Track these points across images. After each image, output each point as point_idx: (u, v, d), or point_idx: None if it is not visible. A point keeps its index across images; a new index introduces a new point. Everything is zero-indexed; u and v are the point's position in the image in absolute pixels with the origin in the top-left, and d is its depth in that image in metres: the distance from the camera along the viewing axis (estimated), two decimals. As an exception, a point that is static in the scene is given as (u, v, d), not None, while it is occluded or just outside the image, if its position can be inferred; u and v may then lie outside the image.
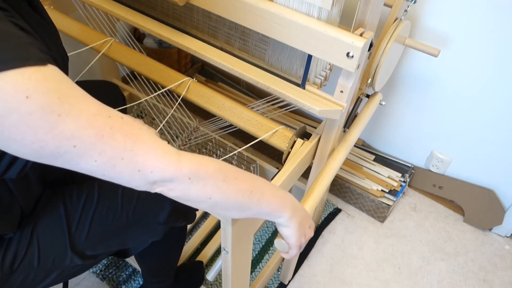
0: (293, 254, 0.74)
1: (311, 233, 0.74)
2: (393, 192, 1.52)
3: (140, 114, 1.65)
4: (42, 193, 0.80)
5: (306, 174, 1.03)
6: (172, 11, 0.98)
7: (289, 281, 1.37)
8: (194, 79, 1.01)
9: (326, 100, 0.83)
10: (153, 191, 0.55)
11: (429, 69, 1.33)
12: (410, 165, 1.59)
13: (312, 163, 1.00)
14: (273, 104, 1.03)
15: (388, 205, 1.49)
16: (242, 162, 1.45)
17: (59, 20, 1.11)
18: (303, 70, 0.84)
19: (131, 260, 1.34)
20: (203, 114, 1.57)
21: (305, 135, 0.95)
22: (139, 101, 1.12)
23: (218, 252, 1.40)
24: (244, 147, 0.99)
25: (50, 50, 0.56)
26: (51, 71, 0.45)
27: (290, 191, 1.53)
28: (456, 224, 1.58)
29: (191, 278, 1.30)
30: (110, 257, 1.38)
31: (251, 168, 1.43)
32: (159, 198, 0.77)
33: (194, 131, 1.44)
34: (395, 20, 1.00)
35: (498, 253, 1.50)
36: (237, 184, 0.60)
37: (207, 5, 0.82)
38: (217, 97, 0.98)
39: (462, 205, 1.57)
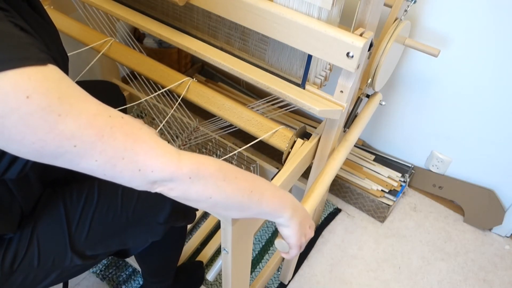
0: (294, 254, 0.74)
1: (311, 233, 0.74)
2: (393, 192, 1.52)
3: (140, 114, 1.65)
4: (42, 192, 0.80)
5: (306, 174, 1.03)
6: (172, 11, 0.98)
7: (289, 281, 1.37)
8: (194, 79, 1.01)
9: (326, 100, 0.83)
10: (153, 190, 0.55)
11: (429, 69, 1.33)
12: (410, 165, 1.59)
13: (312, 163, 1.00)
14: (273, 104, 1.03)
15: (388, 205, 1.49)
16: (242, 162, 1.45)
17: (59, 20, 1.11)
18: (303, 70, 0.84)
19: (131, 260, 1.34)
20: (203, 114, 1.57)
21: (305, 135, 0.95)
22: (139, 101, 1.12)
23: (218, 252, 1.40)
24: (244, 147, 0.99)
25: (50, 50, 0.56)
26: (51, 71, 0.45)
27: (290, 191, 1.53)
28: (456, 224, 1.58)
29: (191, 278, 1.30)
30: (110, 257, 1.38)
31: (251, 168, 1.43)
32: (159, 198, 0.77)
33: (194, 131, 1.44)
34: (395, 20, 1.00)
35: (498, 253, 1.50)
36: (237, 184, 0.60)
37: (207, 5, 0.82)
38: (217, 97, 0.98)
39: (462, 205, 1.57)
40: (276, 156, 1.67)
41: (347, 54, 0.70)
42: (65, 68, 0.67)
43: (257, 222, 0.83)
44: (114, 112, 0.50)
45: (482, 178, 1.49)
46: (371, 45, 0.74)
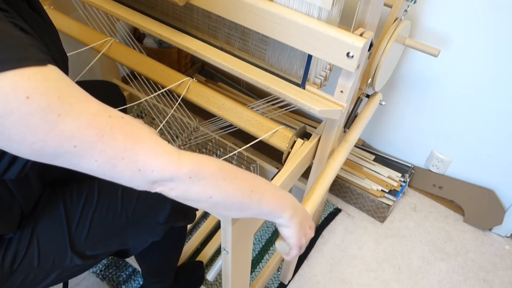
0: (294, 255, 0.74)
1: (311, 234, 0.74)
2: (393, 192, 1.52)
3: (140, 114, 1.65)
4: (42, 192, 0.80)
5: (306, 174, 1.03)
6: (172, 11, 0.98)
7: (289, 281, 1.37)
8: (194, 79, 1.01)
9: (326, 100, 0.83)
10: (153, 190, 0.55)
11: (429, 69, 1.33)
12: (410, 165, 1.59)
13: (312, 163, 1.00)
14: (273, 104, 1.03)
15: (388, 205, 1.49)
16: (242, 162, 1.45)
17: (59, 20, 1.11)
18: (303, 70, 0.84)
19: (131, 260, 1.34)
20: (203, 114, 1.57)
21: (305, 135, 0.95)
22: (139, 101, 1.12)
23: (218, 252, 1.40)
24: (244, 147, 0.99)
25: (50, 50, 0.56)
26: (51, 71, 0.45)
27: (290, 191, 1.54)
28: (456, 224, 1.58)
29: (191, 278, 1.30)
30: (110, 257, 1.37)
31: (251, 168, 1.43)
32: (159, 198, 0.77)
33: (194, 131, 1.44)
34: (395, 20, 1.00)
35: (498, 253, 1.50)
36: (237, 184, 0.60)
37: (207, 5, 0.82)
38: (217, 97, 0.98)
39: (462, 205, 1.57)
40: (276, 156, 1.67)
41: (347, 54, 0.70)
42: (65, 68, 0.67)
43: (257, 222, 0.83)
44: (114, 112, 0.50)
45: (482, 178, 1.49)
46: (371, 45, 0.74)
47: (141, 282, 1.33)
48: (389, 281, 1.40)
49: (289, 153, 0.92)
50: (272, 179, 0.84)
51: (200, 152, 1.49)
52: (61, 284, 1.14)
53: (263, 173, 1.47)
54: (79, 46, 1.08)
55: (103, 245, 0.83)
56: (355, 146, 1.63)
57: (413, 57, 1.33)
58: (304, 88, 0.85)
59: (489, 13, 1.13)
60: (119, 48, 1.07)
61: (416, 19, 1.24)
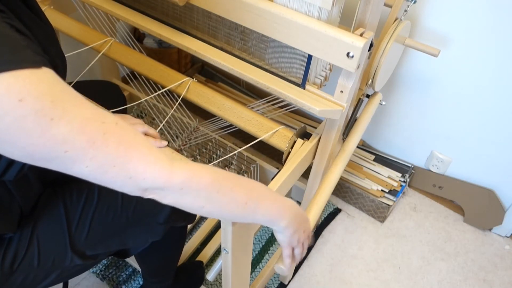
0: (286, 255, 0.74)
1: (306, 239, 0.75)
2: (393, 192, 1.52)
3: (140, 114, 1.65)
4: (42, 192, 0.80)
5: (306, 174, 1.03)
6: (172, 11, 0.98)
7: (289, 281, 1.37)
8: (194, 79, 1.01)
9: (326, 100, 0.83)
10: (146, 197, 0.55)
11: (429, 69, 1.33)
12: (410, 165, 1.59)
13: (312, 163, 1.00)
14: (273, 104, 1.03)
15: (388, 205, 1.49)
16: (242, 162, 1.45)
17: (59, 20, 1.11)
18: (303, 70, 0.84)
19: (131, 260, 1.34)
20: (203, 114, 1.57)
21: (305, 135, 0.95)
22: (139, 101, 1.12)
23: (218, 252, 1.40)
24: (244, 147, 0.99)
25: (48, 51, 0.56)
26: (46, 74, 0.44)
27: (290, 191, 1.54)
28: (456, 224, 1.58)
29: (191, 278, 1.30)
30: (110, 257, 1.37)
31: (251, 168, 1.43)
32: None
33: (194, 131, 1.44)
34: (395, 20, 1.00)
35: (498, 253, 1.50)
36: (232, 196, 0.60)
37: (207, 5, 0.82)
38: (217, 97, 0.98)
39: (462, 205, 1.57)
40: (276, 156, 1.67)
41: (347, 54, 0.70)
42: (63, 69, 0.67)
43: (257, 222, 0.83)
44: (109, 118, 0.50)
45: (482, 178, 1.49)
46: (371, 45, 0.74)
47: (141, 282, 1.33)
48: (389, 281, 1.40)
49: (289, 153, 0.92)
50: (272, 179, 0.84)
51: (200, 152, 1.49)
52: (61, 284, 1.14)
53: (263, 173, 1.47)
54: (79, 46, 1.08)
55: (103, 245, 0.83)
56: (355, 146, 1.63)
57: (413, 57, 1.33)
58: (304, 88, 0.85)
59: (489, 13, 1.13)
60: (119, 48, 1.07)
61: (416, 19, 1.24)
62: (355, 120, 1.03)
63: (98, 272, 1.34)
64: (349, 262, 1.44)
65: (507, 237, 1.55)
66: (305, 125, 1.16)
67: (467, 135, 1.42)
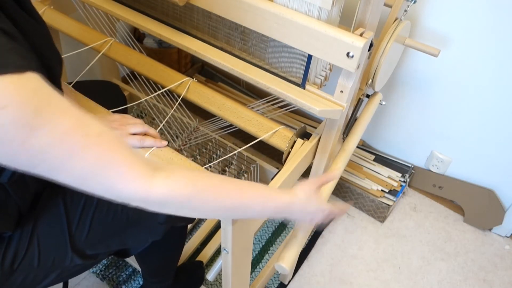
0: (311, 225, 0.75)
1: (320, 219, 0.74)
2: (393, 192, 1.52)
3: (140, 114, 1.65)
4: (41, 191, 0.80)
5: (306, 174, 1.03)
6: (172, 11, 0.98)
7: (289, 281, 1.37)
8: (194, 79, 1.01)
9: (326, 100, 0.83)
10: (129, 205, 0.55)
11: (429, 69, 1.33)
12: (410, 165, 1.59)
13: (312, 163, 1.00)
14: (273, 104, 1.03)
15: (388, 205, 1.49)
16: (242, 162, 1.45)
17: (59, 20, 1.11)
18: (303, 70, 0.84)
19: (131, 260, 1.34)
20: (203, 114, 1.57)
21: (305, 135, 0.95)
22: (139, 101, 1.12)
23: (218, 252, 1.40)
24: (244, 147, 0.99)
25: (42, 52, 0.55)
26: (30, 79, 0.43)
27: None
28: (456, 224, 1.58)
29: (191, 278, 1.30)
30: (110, 257, 1.38)
31: (251, 168, 1.43)
32: None
33: (194, 131, 1.44)
34: (395, 20, 1.00)
35: (498, 253, 1.50)
36: (217, 204, 0.59)
37: (207, 5, 0.82)
38: (217, 97, 0.98)
39: (462, 205, 1.57)
40: (276, 156, 1.67)
41: (347, 54, 0.70)
42: (59, 69, 0.67)
43: (257, 222, 0.83)
44: (92, 129, 0.49)
45: (482, 178, 1.49)
46: (371, 45, 0.74)
47: (141, 282, 1.33)
48: (389, 281, 1.40)
49: (289, 153, 0.92)
50: (272, 179, 0.84)
51: (200, 152, 1.49)
52: (61, 284, 1.14)
53: (263, 173, 1.47)
54: (79, 46, 1.08)
55: (104, 245, 0.83)
56: (355, 146, 1.63)
57: (413, 57, 1.33)
58: (304, 88, 0.85)
59: (489, 13, 1.13)
60: (119, 48, 1.07)
61: (416, 19, 1.24)
62: (355, 120, 1.03)
63: (98, 272, 1.34)
64: (349, 262, 1.44)
65: (507, 237, 1.55)
66: (305, 125, 1.16)
67: (467, 135, 1.42)
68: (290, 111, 1.08)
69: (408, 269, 1.44)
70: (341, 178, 1.54)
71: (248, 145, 0.98)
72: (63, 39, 1.26)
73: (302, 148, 0.90)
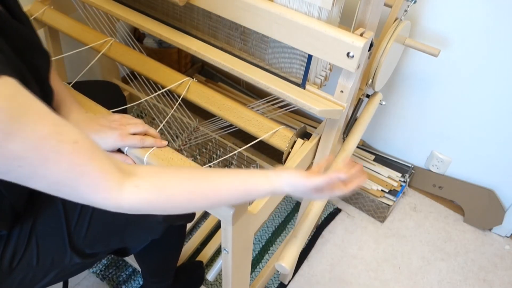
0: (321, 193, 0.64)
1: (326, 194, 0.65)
2: (393, 192, 1.52)
3: (140, 114, 1.65)
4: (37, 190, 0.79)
5: (306, 174, 1.03)
6: (172, 11, 0.98)
7: (289, 281, 1.37)
8: (194, 79, 1.01)
9: (326, 100, 0.83)
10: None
11: (429, 69, 1.33)
12: (410, 165, 1.59)
13: (312, 163, 1.00)
14: (273, 104, 1.03)
15: (388, 205, 1.49)
16: (242, 162, 1.45)
17: (59, 20, 1.11)
18: (303, 70, 0.84)
19: (131, 260, 1.34)
20: (203, 114, 1.57)
21: (305, 135, 0.95)
22: (139, 101, 1.12)
23: (218, 252, 1.40)
24: (244, 147, 0.99)
25: (26, 53, 0.55)
26: (5, 85, 0.43)
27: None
28: (456, 224, 1.58)
29: (191, 278, 1.30)
30: (110, 257, 1.38)
31: (251, 168, 1.43)
32: None
33: (194, 131, 1.44)
34: (395, 20, 1.00)
35: (498, 253, 1.50)
36: (191, 205, 0.60)
37: (207, 5, 0.83)
38: (217, 97, 0.98)
39: (462, 205, 1.57)
40: (276, 156, 1.67)
41: (347, 54, 0.70)
42: (46, 67, 0.67)
43: (257, 222, 0.83)
44: (69, 136, 0.49)
45: (482, 178, 1.49)
46: (371, 45, 0.74)
47: (141, 282, 1.33)
48: (389, 281, 1.40)
49: (289, 153, 0.92)
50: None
51: (200, 152, 1.49)
52: (61, 284, 1.14)
53: (263, 173, 1.46)
54: (79, 46, 1.08)
55: (102, 244, 0.83)
56: (355, 146, 1.63)
57: (413, 57, 1.33)
58: (304, 88, 0.85)
59: (489, 13, 1.13)
60: (119, 48, 1.07)
61: (416, 19, 1.24)
62: (355, 120, 1.03)
63: (98, 272, 1.34)
64: (349, 262, 1.44)
65: (507, 237, 1.55)
66: (305, 125, 1.16)
67: (467, 135, 1.42)
68: (290, 111, 1.08)
69: (408, 269, 1.44)
70: (341, 178, 1.53)
71: (248, 145, 0.98)
72: (63, 39, 1.26)
73: (302, 148, 0.90)
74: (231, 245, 0.78)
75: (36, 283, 0.80)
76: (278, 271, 1.39)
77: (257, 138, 0.94)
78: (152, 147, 0.78)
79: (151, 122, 1.58)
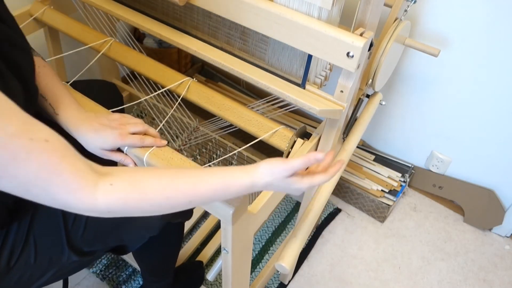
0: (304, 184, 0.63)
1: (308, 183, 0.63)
2: (393, 192, 1.52)
3: (140, 114, 1.65)
4: None
5: (306, 174, 1.03)
6: (172, 11, 0.98)
7: (289, 281, 1.37)
8: (194, 79, 1.01)
9: (326, 100, 0.83)
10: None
11: (429, 69, 1.33)
12: (410, 165, 1.59)
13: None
14: (273, 104, 1.03)
15: (388, 205, 1.49)
16: (242, 162, 1.45)
17: (59, 20, 1.11)
18: (303, 70, 0.84)
19: (131, 260, 1.34)
20: (203, 114, 1.57)
21: (305, 135, 0.95)
22: (139, 100, 1.12)
23: (218, 252, 1.41)
24: (244, 147, 0.99)
25: (4, 51, 0.55)
26: None
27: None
28: (456, 224, 1.58)
29: (191, 278, 1.30)
30: (110, 258, 1.38)
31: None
32: None
33: (194, 131, 1.44)
34: (395, 20, 1.00)
35: (498, 253, 1.50)
36: (170, 203, 0.58)
37: (207, 5, 0.83)
38: (217, 97, 0.98)
39: (462, 205, 1.57)
40: (276, 156, 1.66)
41: (347, 54, 0.70)
42: (26, 63, 0.66)
43: (257, 222, 0.83)
44: (38, 134, 0.48)
45: (482, 178, 1.49)
46: (371, 45, 0.74)
47: (141, 282, 1.33)
48: (389, 281, 1.40)
49: (289, 153, 0.92)
50: (272, 179, 0.83)
51: (200, 152, 1.49)
52: (61, 284, 1.14)
53: (263, 173, 1.46)
54: (79, 46, 1.08)
55: (100, 241, 0.83)
56: (355, 146, 1.63)
57: (413, 57, 1.33)
58: (304, 88, 0.85)
59: (489, 13, 1.13)
60: (119, 48, 1.07)
61: (416, 19, 1.24)
62: (355, 120, 1.03)
63: (98, 272, 1.34)
64: (349, 262, 1.44)
65: (507, 237, 1.55)
66: (305, 125, 1.16)
67: (467, 135, 1.42)
68: (290, 111, 1.08)
69: (408, 269, 1.44)
70: (341, 178, 1.54)
71: (248, 145, 0.98)
72: (63, 39, 1.26)
73: (302, 148, 0.90)
74: (231, 245, 0.78)
75: (34, 281, 0.80)
76: (278, 271, 1.39)
77: (257, 138, 0.94)
78: (152, 146, 0.78)
79: (151, 122, 1.58)
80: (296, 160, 0.59)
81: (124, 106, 1.06)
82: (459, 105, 1.36)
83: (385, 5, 0.95)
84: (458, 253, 1.49)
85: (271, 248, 1.45)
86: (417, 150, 1.57)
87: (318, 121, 1.65)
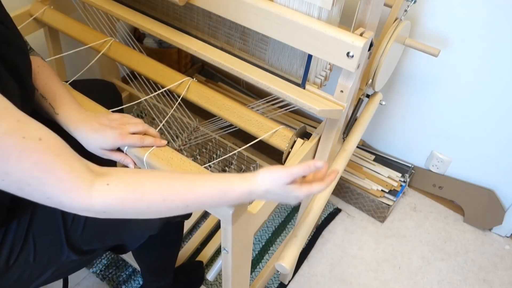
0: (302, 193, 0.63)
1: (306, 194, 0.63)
2: (393, 192, 1.52)
3: (140, 114, 1.65)
4: None
5: (306, 174, 1.03)
6: (172, 11, 0.98)
7: (289, 281, 1.37)
8: (194, 79, 1.01)
9: (326, 100, 0.83)
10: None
11: (429, 69, 1.33)
12: (410, 165, 1.59)
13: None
14: (273, 104, 1.03)
15: (388, 205, 1.49)
16: (242, 162, 1.45)
17: (59, 20, 1.11)
18: (303, 70, 0.84)
19: (131, 260, 1.34)
20: (203, 114, 1.57)
21: (305, 135, 0.95)
22: (139, 100, 1.12)
23: (218, 252, 1.41)
24: (244, 147, 0.99)
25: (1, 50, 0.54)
26: None
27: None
28: (456, 224, 1.58)
29: (191, 278, 1.30)
30: (110, 258, 1.38)
31: (251, 168, 1.43)
32: None
33: (194, 131, 1.44)
34: (395, 20, 1.00)
35: (498, 253, 1.50)
36: (166, 206, 0.58)
37: (207, 5, 0.83)
38: (217, 97, 0.98)
39: (462, 205, 1.57)
40: (276, 156, 1.66)
41: (347, 54, 0.70)
42: (22, 63, 0.66)
43: (257, 222, 0.83)
44: (32, 133, 0.48)
45: (482, 178, 1.49)
46: (371, 45, 0.74)
47: (141, 282, 1.33)
48: (389, 281, 1.40)
49: (289, 153, 0.92)
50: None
51: (200, 152, 1.49)
52: (61, 284, 1.14)
53: (263, 173, 1.46)
54: (79, 46, 1.08)
55: (99, 240, 0.83)
56: (355, 146, 1.63)
57: (413, 57, 1.33)
58: (304, 88, 0.85)
59: (489, 13, 1.13)
60: (119, 48, 1.07)
61: (416, 19, 1.24)
62: (355, 120, 1.03)
63: (98, 272, 1.34)
64: (349, 262, 1.44)
65: (507, 237, 1.55)
66: (305, 125, 1.16)
67: (467, 135, 1.42)
68: (290, 111, 1.08)
69: (408, 269, 1.44)
70: (341, 178, 1.54)
71: (248, 145, 0.98)
72: (63, 39, 1.26)
73: (302, 148, 0.90)
74: (231, 245, 0.78)
75: (33, 280, 0.79)
76: (278, 271, 1.39)
77: (257, 138, 0.94)
78: (152, 146, 0.78)
79: (151, 122, 1.58)
80: (296, 167, 0.60)
81: (124, 106, 1.06)
82: (459, 105, 1.36)
83: (385, 5, 0.95)
84: (458, 253, 1.49)
85: (271, 248, 1.45)
86: (417, 150, 1.57)
87: (318, 121, 1.65)
